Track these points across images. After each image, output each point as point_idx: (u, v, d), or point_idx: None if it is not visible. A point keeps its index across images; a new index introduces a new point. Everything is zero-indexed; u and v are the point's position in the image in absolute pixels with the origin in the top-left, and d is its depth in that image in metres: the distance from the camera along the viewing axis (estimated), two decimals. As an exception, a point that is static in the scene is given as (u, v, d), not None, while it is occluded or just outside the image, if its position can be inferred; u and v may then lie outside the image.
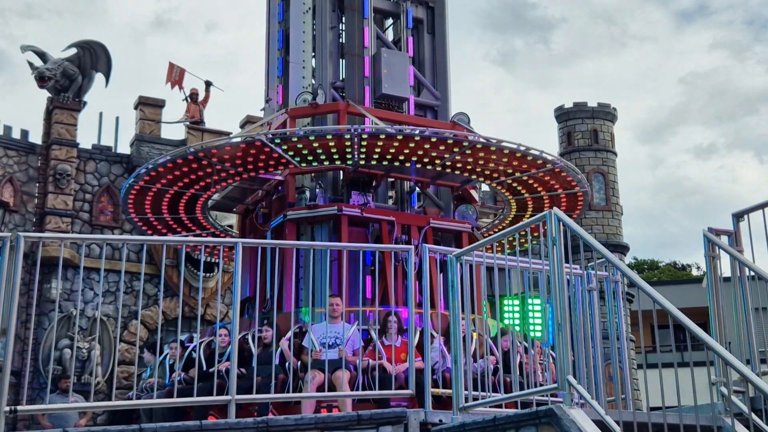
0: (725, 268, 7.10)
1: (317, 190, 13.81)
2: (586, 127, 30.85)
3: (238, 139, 12.63)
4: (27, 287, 18.51)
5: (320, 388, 10.12)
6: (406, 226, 13.70)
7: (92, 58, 24.91)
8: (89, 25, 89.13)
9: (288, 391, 10.11)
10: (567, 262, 6.66)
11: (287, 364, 10.74)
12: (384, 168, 13.71)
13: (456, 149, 12.73)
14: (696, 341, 5.44)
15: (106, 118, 26.05)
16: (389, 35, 15.92)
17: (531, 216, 15.04)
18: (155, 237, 11.47)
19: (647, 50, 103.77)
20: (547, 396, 7.22)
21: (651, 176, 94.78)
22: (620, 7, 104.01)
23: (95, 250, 23.02)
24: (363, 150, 12.63)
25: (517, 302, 14.01)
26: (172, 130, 29.47)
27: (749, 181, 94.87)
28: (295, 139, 12.47)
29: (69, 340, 22.82)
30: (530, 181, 13.97)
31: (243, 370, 10.42)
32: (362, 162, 13.06)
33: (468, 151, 12.82)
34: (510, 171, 13.46)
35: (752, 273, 6.87)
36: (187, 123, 25.69)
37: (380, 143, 12.52)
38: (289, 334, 11.16)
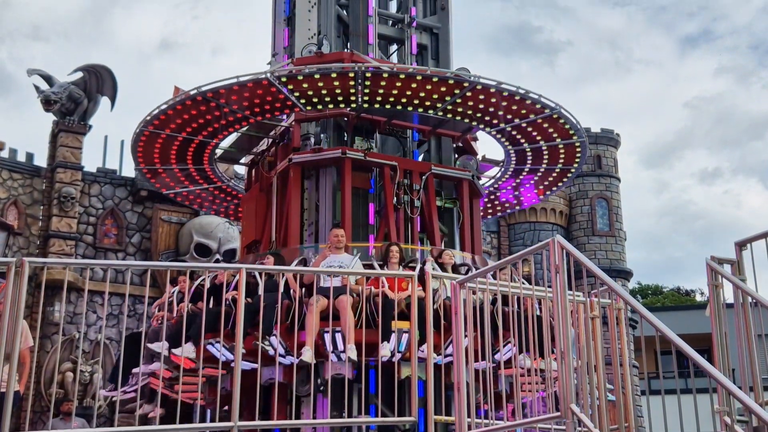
0: (728, 295, 7.10)
1: (322, 135, 14.23)
2: (589, 152, 30.81)
3: (246, 78, 12.70)
4: (30, 310, 18.56)
5: (324, 312, 10.77)
6: (408, 171, 14.07)
7: (98, 81, 25.03)
8: (96, 48, 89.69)
9: (293, 315, 10.89)
10: (570, 289, 6.67)
11: (291, 291, 11.21)
12: (386, 113, 14.06)
13: (457, 90, 13.01)
14: (699, 368, 5.43)
15: (111, 142, 26.11)
16: (393, 61, 16.01)
17: (530, 169, 15.63)
18: (159, 263, 11.56)
19: (652, 75, 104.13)
20: (551, 423, 7.23)
21: (655, 201, 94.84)
22: (625, 32, 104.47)
23: (99, 273, 23.04)
24: (366, 92, 12.93)
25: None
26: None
27: (754, 207, 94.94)
28: (301, 78, 12.74)
29: (71, 363, 22.78)
30: (529, 129, 14.21)
31: (249, 299, 10.87)
32: (365, 105, 13.39)
33: (468, 94, 13.09)
34: (510, 116, 13.70)
35: (755, 300, 6.90)
36: (192, 146, 25.77)
37: (383, 83, 12.82)
38: (295, 262, 11.93)
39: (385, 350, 10.90)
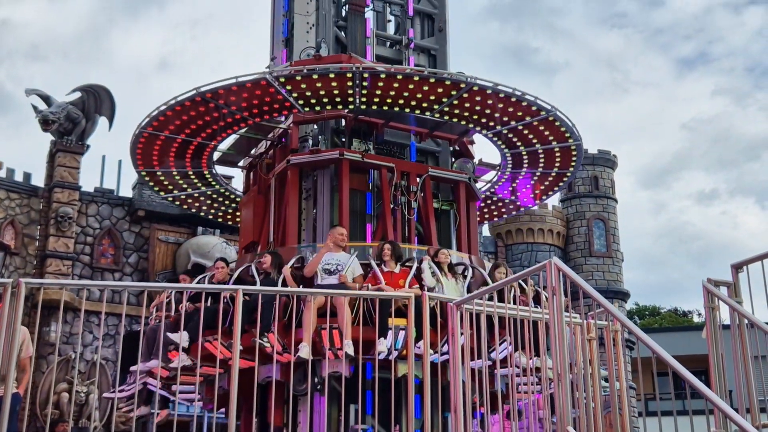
0: (725, 317, 7.16)
1: (320, 137, 14.29)
2: (586, 173, 31.02)
3: (245, 79, 12.77)
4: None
5: (321, 309, 10.78)
6: (405, 173, 14.08)
7: (96, 101, 25.18)
8: (94, 68, 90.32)
9: (290, 312, 11.07)
10: (566, 311, 6.72)
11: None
12: (384, 115, 14.04)
13: (454, 92, 13.06)
14: (696, 390, 5.46)
15: (108, 162, 26.20)
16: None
17: (525, 172, 15.68)
18: (156, 284, 11.60)
19: (649, 96, 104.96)
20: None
21: (653, 221, 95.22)
22: (622, 54, 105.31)
23: (95, 293, 23.02)
24: (364, 92, 12.97)
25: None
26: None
27: (751, 228, 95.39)
28: (299, 78, 12.79)
29: (67, 383, 22.64)
30: (525, 131, 14.23)
31: (247, 297, 10.85)
32: (363, 107, 13.44)
33: (465, 95, 13.14)
34: (506, 118, 13.74)
35: (751, 322, 6.92)
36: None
37: (381, 84, 12.87)
38: (292, 261, 11.99)
39: (381, 346, 10.99)
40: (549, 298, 6.79)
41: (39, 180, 25.10)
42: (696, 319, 54.57)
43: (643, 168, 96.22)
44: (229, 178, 19.48)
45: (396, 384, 12.74)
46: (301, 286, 11.65)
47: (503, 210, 17.16)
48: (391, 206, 13.68)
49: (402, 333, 11.28)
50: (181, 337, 11.21)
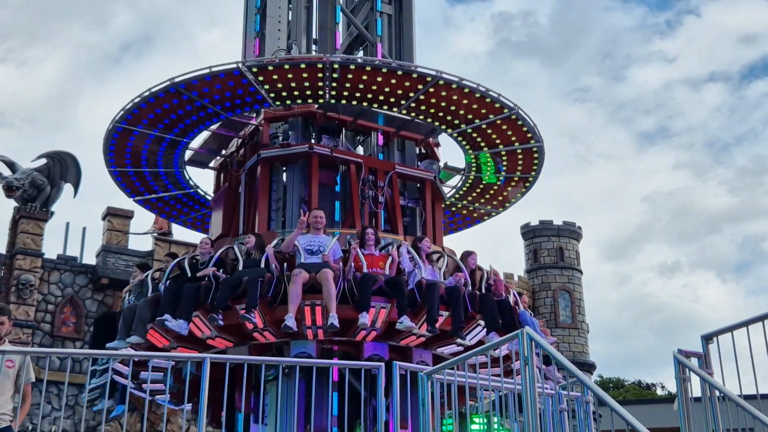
0: (696, 388, 7.05)
1: (290, 132, 14.56)
2: (551, 244, 31.34)
3: (218, 69, 13.02)
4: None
5: (305, 285, 11.29)
6: (373, 169, 14.35)
7: (62, 168, 25.18)
8: (61, 134, 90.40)
9: (275, 288, 11.47)
10: (539, 381, 6.92)
11: (272, 266, 11.74)
12: (353, 112, 14.36)
13: (420, 86, 13.41)
14: None
15: (72, 228, 26.07)
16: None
17: (490, 178, 15.95)
18: (120, 352, 11.54)
19: (612, 169, 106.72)
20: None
21: (616, 293, 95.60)
22: (585, 127, 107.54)
23: (55, 362, 22.46)
24: (334, 85, 13.29)
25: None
26: (140, 241, 29.47)
27: (712, 300, 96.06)
28: (271, 68, 13.09)
29: (23, 456, 21.84)
30: (489, 131, 14.56)
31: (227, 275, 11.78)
32: (333, 101, 13.77)
33: (431, 90, 13.49)
34: (471, 116, 14.07)
35: (723, 394, 6.87)
36: (155, 234, 25.73)
37: (350, 76, 13.22)
38: (275, 241, 12.25)
39: (364, 319, 11.29)
40: (521, 368, 6.74)
41: (0, 247, 24.82)
42: (659, 392, 54.14)
43: (607, 240, 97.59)
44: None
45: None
46: (285, 265, 11.95)
47: (468, 219, 17.25)
48: (360, 200, 13.86)
49: (384, 311, 11.60)
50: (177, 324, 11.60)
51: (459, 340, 12.06)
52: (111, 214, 26.16)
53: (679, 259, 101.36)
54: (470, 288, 12.57)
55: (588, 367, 29.94)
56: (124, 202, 31.41)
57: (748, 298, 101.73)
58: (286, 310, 11.25)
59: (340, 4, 15.99)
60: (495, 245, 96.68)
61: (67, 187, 25.68)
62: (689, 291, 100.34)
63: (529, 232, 32.47)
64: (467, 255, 13.15)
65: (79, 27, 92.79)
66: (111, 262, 25.06)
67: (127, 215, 26.34)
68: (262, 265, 11.84)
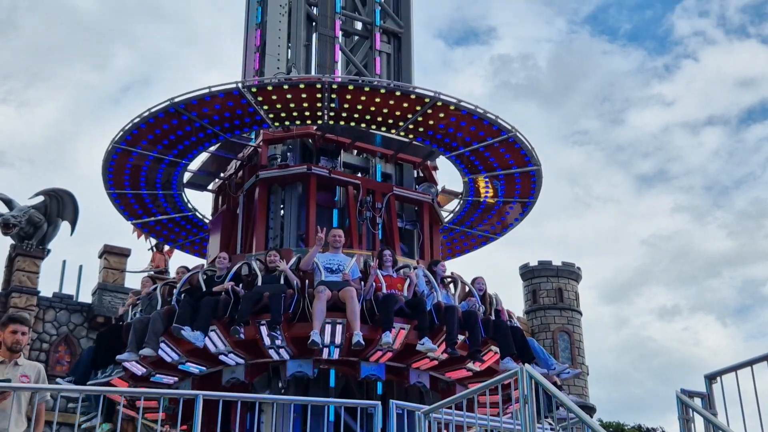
0: (699, 429, 6.91)
1: (288, 153, 14.56)
2: (551, 285, 31.16)
3: (218, 89, 13.07)
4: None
5: (328, 302, 11.32)
6: (370, 191, 14.40)
7: (59, 205, 25.08)
8: (60, 174, 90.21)
9: (297, 305, 11.54)
10: (539, 421, 6.73)
11: (294, 282, 11.79)
12: (351, 134, 14.39)
13: (419, 107, 13.43)
14: None
15: (69, 266, 25.89)
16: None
17: (488, 199, 15.88)
18: (113, 389, 11.50)
19: (611, 211, 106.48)
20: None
21: (615, 337, 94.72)
22: (584, 169, 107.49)
23: (49, 402, 22.06)
24: (332, 106, 13.31)
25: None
26: (136, 279, 29.19)
27: (712, 344, 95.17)
28: (270, 89, 13.17)
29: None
30: (487, 154, 14.57)
31: (244, 291, 11.79)
32: (331, 122, 13.78)
33: (429, 111, 13.50)
34: (468, 138, 14.09)
35: None
36: (152, 273, 25.54)
37: (348, 96, 13.26)
38: (294, 259, 12.29)
39: (387, 338, 11.33)
40: (521, 407, 6.60)
41: (-4, 284, 24.66)
42: (660, 437, 53.26)
43: (605, 282, 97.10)
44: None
45: (359, 385, 12.56)
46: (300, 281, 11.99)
47: (465, 245, 17.15)
48: (357, 221, 13.82)
49: (403, 332, 11.59)
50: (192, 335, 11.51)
51: (470, 365, 12.17)
52: (108, 252, 26.02)
53: (678, 303, 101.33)
54: (482, 313, 12.63)
55: (588, 410, 29.57)
56: (121, 240, 31.17)
57: (749, 342, 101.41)
58: (304, 327, 11.32)
59: (339, 42, 16.15)
60: (494, 285, 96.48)
61: (64, 225, 25.56)
62: (689, 335, 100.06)
63: (528, 273, 32.33)
64: (475, 279, 13.23)
65: (79, 68, 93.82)
66: (107, 301, 24.87)
67: (124, 253, 26.20)
68: (282, 281, 11.83)
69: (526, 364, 6.99)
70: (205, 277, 12.47)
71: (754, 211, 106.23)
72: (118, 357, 11.98)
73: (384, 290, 11.87)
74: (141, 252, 30.15)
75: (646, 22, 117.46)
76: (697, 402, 6.83)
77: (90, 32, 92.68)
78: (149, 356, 11.80)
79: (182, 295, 12.17)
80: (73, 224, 25.32)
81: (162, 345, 11.87)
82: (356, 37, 17.12)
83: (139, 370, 12.31)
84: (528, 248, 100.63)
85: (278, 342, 11.46)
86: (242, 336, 11.32)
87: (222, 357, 12.01)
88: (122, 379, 12.75)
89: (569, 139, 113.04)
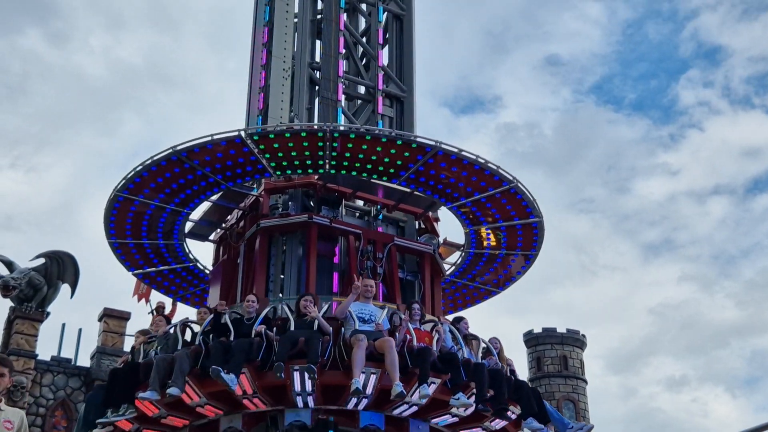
0: None
1: (290, 203, 14.61)
2: (555, 353, 30.80)
3: (220, 136, 13.11)
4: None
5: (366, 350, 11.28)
6: (371, 241, 14.36)
7: (60, 268, 24.96)
8: (66, 239, 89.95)
9: (329, 351, 11.52)
10: None
11: (328, 329, 11.78)
12: (352, 184, 14.39)
13: (420, 156, 13.46)
14: None
15: (68, 329, 25.67)
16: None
17: (491, 251, 15.80)
18: None
19: (617, 280, 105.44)
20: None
21: (623, 407, 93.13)
22: (590, 238, 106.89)
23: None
24: (334, 154, 13.36)
25: None
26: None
27: (721, 416, 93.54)
28: (272, 136, 13.28)
29: None
30: (488, 204, 14.56)
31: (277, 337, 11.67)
32: (332, 171, 13.83)
33: (431, 161, 13.54)
34: (470, 188, 14.05)
35: None
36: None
37: (350, 145, 13.30)
38: (325, 308, 12.38)
39: (426, 390, 11.31)
40: None
41: (-7, 347, 24.39)
42: None
43: (612, 352, 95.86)
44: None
45: None
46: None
47: (467, 298, 16.95)
48: (358, 271, 13.74)
49: (433, 386, 11.51)
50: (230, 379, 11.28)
51: (489, 423, 12.41)
52: (107, 315, 25.82)
53: (686, 373, 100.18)
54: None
55: (598, 482, 28.96)
56: (122, 303, 30.96)
57: (759, 414, 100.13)
58: (335, 376, 11.38)
59: (341, 106, 16.28)
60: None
61: (65, 288, 25.40)
62: (698, 406, 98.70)
63: (532, 340, 31.97)
64: (491, 339, 13.41)
65: (87, 134, 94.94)
66: (105, 364, 24.54)
67: (124, 317, 25.99)
68: (315, 328, 11.74)
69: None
70: (232, 318, 12.29)
71: (762, 280, 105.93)
72: (140, 395, 11.58)
73: (414, 341, 11.87)
74: (141, 315, 30.02)
75: (651, 91, 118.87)
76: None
77: (98, 99, 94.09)
78: (174, 396, 11.45)
79: (210, 336, 11.99)
80: (74, 287, 25.16)
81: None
82: (359, 101, 17.25)
83: (152, 411, 12.10)
84: (533, 316, 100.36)
85: (308, 388, 11.36)
86: (282, 376, 11.09)
87: (246, 401, 11.80)
88: (129, 421, 12.50)
89: (575, 207, 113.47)
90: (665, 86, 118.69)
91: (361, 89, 17.41)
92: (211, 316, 12.46)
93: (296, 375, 11.28)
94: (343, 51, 16.92)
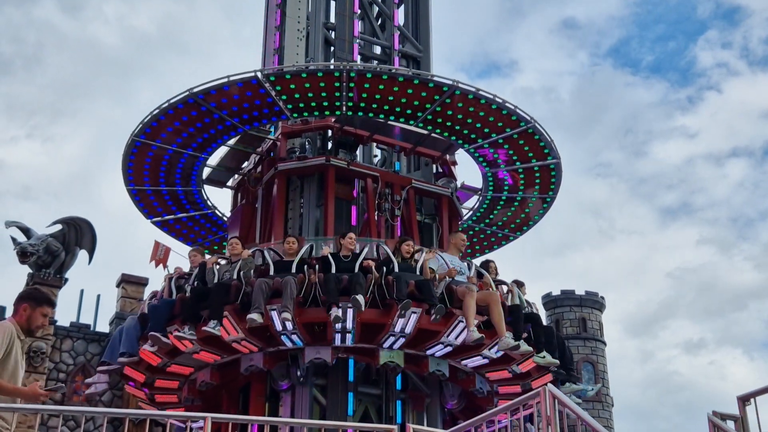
0: None
1: (307, 146, 14.59)
2: (574, 315, 30.65)
3: (236, 78, 13.09)
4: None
5: None
6: (389, 184, 14.42)
7: (77, 234, 24.88)
8: (84, 208, 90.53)
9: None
10: None
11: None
12: (369, 126, 14.29)
13: (437, 96, 13.33)
14: None
15: (87, 296, 25.68)
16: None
17: (506, 195, 15.82)
18: (136, 411, 11.41)
19: (634, 244, 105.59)
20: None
21: (640, 371, 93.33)
22: (607, 202, 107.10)
23: (63, 432, 21.77)
24: (351, 95, 13.26)
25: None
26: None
27: (739, 379, 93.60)
28: (288, 77, 13.15)
29: None
30: (506, 146, 14.53)
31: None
32: (349, 113, 13.73)
33: (448, 101, 13.40)
34: (487, 130, 13.98)
35: None
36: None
37: (367, 85, 13.21)
38: (306, 246, 12.30)
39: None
40: (543, 428, 6.43)
41: (13, 313, 24.43)
42: (687, 471, 51.87)
43: (630, 316, 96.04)
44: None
45: (377, 371, 12.33)
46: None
47: (485, 243, 16.90)
48: (376, 213, 13.68)
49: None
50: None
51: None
52: (125, 281, 25.78)
53: (704, 336, 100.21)
54: None
55: (614, 443, 28.87)
56: (140, 269, 30.98)
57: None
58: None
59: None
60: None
61: (82, 254, 25.39)
62: (715, 369, 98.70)
63: (550, 302, 31.78)
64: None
65: (103, 104, 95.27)
66: (124, 330, 24.61)
67: (142, 282, 25.95)
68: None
69: (549, 384, 6.77)
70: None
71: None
72: (248, 316, 11.42)
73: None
74: (159, 281, 30.04)
75: (669, 54, 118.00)
76: (730, 425, 6.63)
77: (113, 68, 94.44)
78: (288, 319, 11.44)
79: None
80: (91, 253, 25.12)
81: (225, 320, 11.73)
82: (375, 62, 17.16)
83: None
84: (551, 281, 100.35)
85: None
86: (438, 318, 11.45)
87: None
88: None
89: (592, 172, 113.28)
90: (683, 48, 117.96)
91: (377, 50, 17.36)
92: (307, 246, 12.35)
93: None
94: (358, 11, 16.86)
